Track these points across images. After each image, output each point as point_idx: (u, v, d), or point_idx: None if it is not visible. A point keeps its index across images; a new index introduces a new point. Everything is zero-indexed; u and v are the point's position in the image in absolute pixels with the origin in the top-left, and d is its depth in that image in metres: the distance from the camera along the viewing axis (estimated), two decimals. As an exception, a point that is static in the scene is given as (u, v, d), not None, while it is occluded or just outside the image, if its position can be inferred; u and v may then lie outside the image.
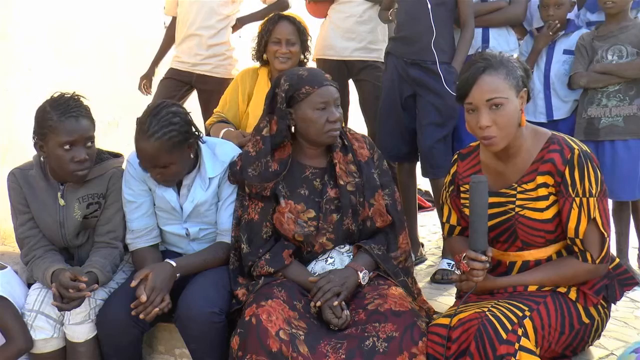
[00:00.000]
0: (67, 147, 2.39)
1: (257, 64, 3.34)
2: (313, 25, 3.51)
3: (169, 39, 4.02)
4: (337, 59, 3.69)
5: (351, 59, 3.69)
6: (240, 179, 2.47)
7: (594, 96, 3.18)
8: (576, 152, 2.09)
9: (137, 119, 2.42)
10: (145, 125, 2.35)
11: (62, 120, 2.36)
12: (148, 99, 3.88)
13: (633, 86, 3.13)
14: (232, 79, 3.52)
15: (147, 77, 4.07)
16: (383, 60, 3.48)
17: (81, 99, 2.47)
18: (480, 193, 2.05)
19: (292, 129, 2.46)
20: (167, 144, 2.34)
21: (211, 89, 3.78)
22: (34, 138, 2.46)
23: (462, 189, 2.32)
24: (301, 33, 3.23)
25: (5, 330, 2.45)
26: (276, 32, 3.18)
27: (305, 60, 3.30)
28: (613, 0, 3.08)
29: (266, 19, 3.30)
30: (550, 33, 3.24)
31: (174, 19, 3.95)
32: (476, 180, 2.05)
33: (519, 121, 2.13)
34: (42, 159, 2.51)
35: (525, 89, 2.15)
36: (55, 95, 2.46)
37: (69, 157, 2.40)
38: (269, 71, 3.28)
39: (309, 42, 3.29)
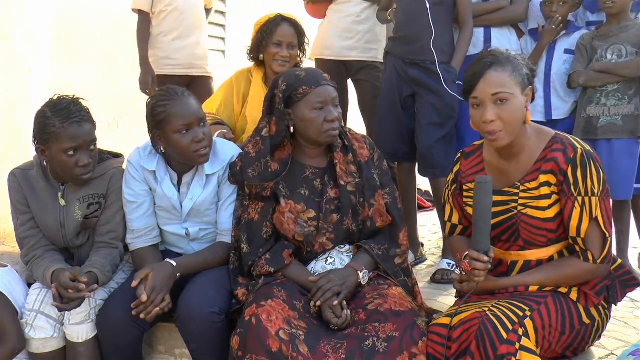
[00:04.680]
0: (71, 152, 2.38)
1: (251, 64, 3.28)
2: (312, 26, 3.51)
3: (146, 36, 3.78)
4: (336, 59, 3.69)
5: (349, 59, 3.68)
6: (240, 180, 2.47)
7: (593, 95, 3.18)
8: (579, 151, 2.09)
9: (159, 94, 2.49)
10: (174, 91, 2.47)
11: (65, 126, 2.35)
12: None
13: (632, 85, 3.13)
14: (227, 78, 3.47)
15: (152, 77, 3.74)
16: (382, 60, 3.49)
17: (81, 101, 2.46)
18: (485, 193, 2.05)
19: (292, 129, 2.47)
20: (199, 102, 2.52)
21: (210, 89, 3.77)
22: (34, 142, 2.45)
23: (464, 187, 2.32)
24: (300, 36, 3.22)
25: (0, 328, 2.44)
26: (278, 34, 3.15)
27: (300, 62, 3.28)
28: (613, 0, 3.09)
29: (267, 19, 3.22)
30: (554, 27, 3.24)
31: (142, 14, 3.75)
32: (481, 181, 2.05)
33: (524, 118, 2.13)
34: (44, 163, 2.51)
35: (531, 87, 2.15)
36: (54, 98, 2.45)
37: (73, 162, 2.39)
38: (264, 74, 3.24)
39: (305, 45, 3.28)
